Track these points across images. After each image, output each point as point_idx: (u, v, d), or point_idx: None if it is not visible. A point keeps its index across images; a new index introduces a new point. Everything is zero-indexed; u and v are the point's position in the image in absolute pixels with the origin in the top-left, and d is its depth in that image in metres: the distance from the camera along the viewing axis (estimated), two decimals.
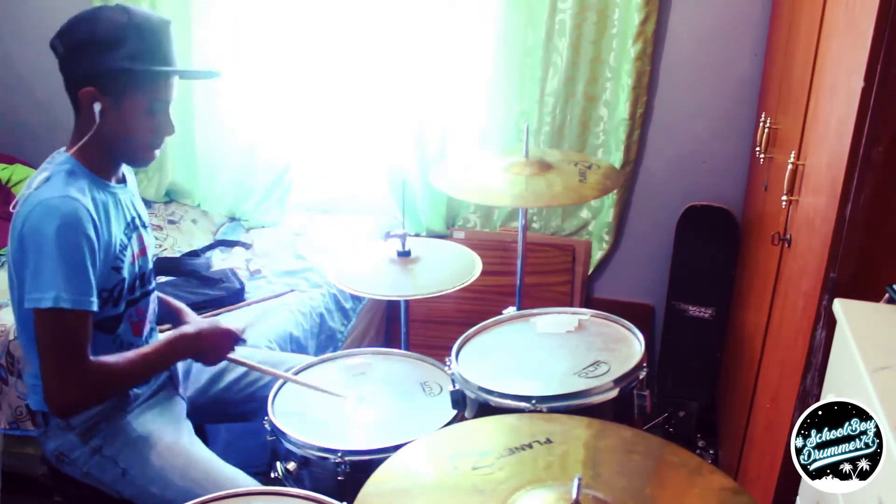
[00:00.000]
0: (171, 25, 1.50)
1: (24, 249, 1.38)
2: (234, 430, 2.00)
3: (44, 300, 1.36)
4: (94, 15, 1.45)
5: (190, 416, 1.71)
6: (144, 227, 1.65)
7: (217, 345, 1.61)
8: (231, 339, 1.64)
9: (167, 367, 1.66)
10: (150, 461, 1.54)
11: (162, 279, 2.43)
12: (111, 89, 1.45)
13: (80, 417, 1.56)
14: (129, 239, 1.56)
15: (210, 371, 1.80)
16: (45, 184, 1.43)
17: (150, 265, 1.65)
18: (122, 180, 1.60)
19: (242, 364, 1.71)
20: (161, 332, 2.16)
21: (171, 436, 1.59)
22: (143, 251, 1.61)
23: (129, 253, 1.55)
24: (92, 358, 1.42)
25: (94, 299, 1.42)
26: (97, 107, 1.45)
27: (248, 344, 2.04)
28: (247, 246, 2.77)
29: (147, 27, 1.45)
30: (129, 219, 1.58)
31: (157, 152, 1.57)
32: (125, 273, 1.53)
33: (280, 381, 1.68)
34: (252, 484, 1.53)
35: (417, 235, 2.84)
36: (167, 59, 1.49)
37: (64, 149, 1.52)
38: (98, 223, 1.44)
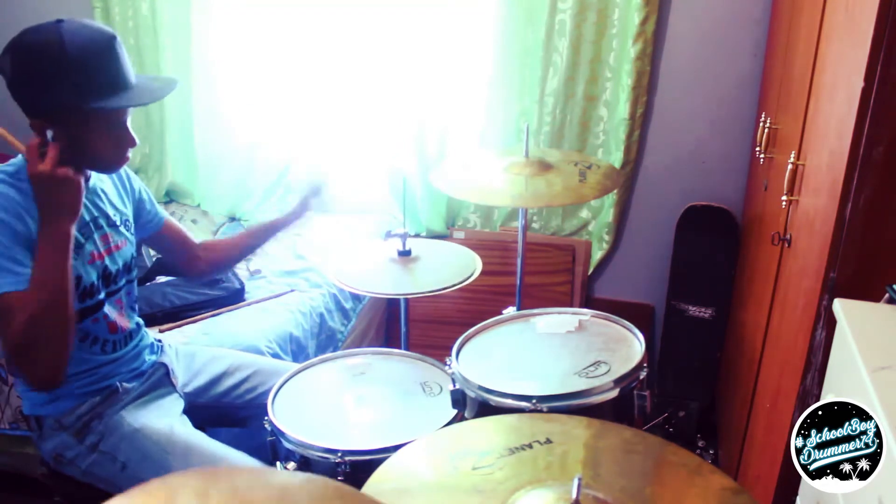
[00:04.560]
0: (115, 42, 1.43)
1: None
2: (234, 429, 2.00)
3: None
4: (36, 42, 1.38)
5: (189, 416, 1.70)
6: (113, 226, 1.61)
7: (45, 195, 1.38)
8: (45, 174, 1.37)
9: (57, 254, 1.40)
10: (149, 451, 1.54)
11: (162, 279, 2.43)
12: (57, 121, 1.41)
13: (71, 417, 1.56)
14: (87, 238, 1.54)
15: (210, 373, 1.80)
16: None
17: (120, 265, 1.62)
18: (87, 178, 1.57)
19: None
20: (161, 331, 2.18)
21: (167, 425, 1.59)
22: (108, 251, 1.59)
23: (84, 253, 1.52)
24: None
25: (14, 278, 1.35)
26: (49, 134, 1.41)
27: (249, 345, 2.06)
28: None
29: (85, 57, 1.38)
30: (88, 218, 1.55)
31: (126, 159, 1.53)
32: (81, 272, 1.51)
33: (280, 381, 1.68)
34: (252, 465, 1.53)
35: (417, 235, 2.84)
36: (112, 83, 1.42)
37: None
38: (24, 212, 1.40)
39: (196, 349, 1.86)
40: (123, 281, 1.65)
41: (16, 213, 1.39)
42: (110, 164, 1.53)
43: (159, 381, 1.71)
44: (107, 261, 1.59)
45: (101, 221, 1.59)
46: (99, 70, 1.41)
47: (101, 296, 1.58)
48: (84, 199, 1.55)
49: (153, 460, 1.53)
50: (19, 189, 1.42)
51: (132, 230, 1.69)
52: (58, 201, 1.39)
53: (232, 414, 1.80)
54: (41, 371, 1.37)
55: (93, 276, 1.55)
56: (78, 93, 1.39)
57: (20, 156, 1.50)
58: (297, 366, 1.79)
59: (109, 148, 1.48)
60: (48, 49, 1.37)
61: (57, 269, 1.38)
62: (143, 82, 1.50)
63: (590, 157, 2.28)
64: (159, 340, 1.80)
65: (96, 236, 1.56)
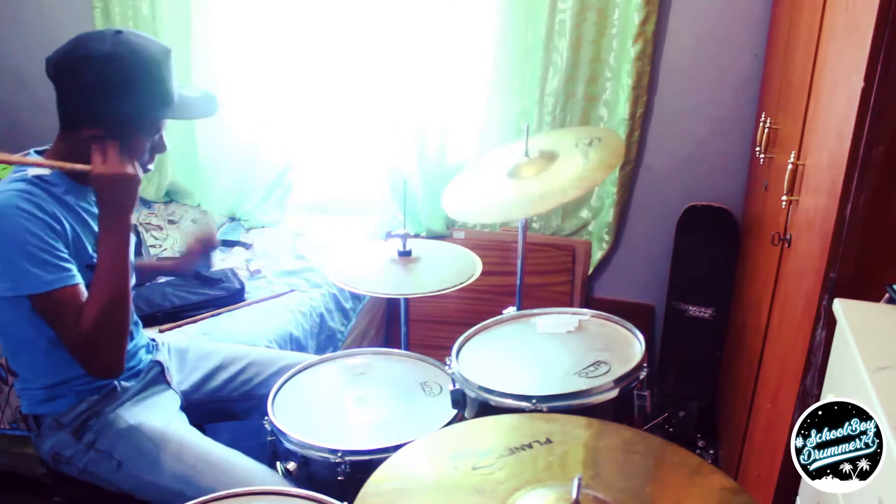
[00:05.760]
0: (170, 55, 1.49)
1: None
2: (234, 430, 2.00)
3: (19, 288, 1.38)
4: (101, 53, 1.41)
5: (186, 413, 1.70)
6: None
7: (109, 182, 1.42)
8: (120, 174, 1.43)
9: (123, 251, 1.46)
10: (144, 450, 1.54)
11: (162, 279, 2.43)
12: (117, 132, 1.45)
13: (69, 415, 1.56)
14: None
15: (204, 368, 1.80)
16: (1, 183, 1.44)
17: (132, 260, 1.64)
18: None
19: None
20: (161, 331, 2.18)
21: (162, 423, 1.59)
22: None
23: None
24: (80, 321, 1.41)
25: (72, 273, 1.41)
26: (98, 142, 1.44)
27: (247, 342, 2.06)
28: (247, 246, 2.77)
29: (156, 70, 1.45)
30: None
31: (151, 166, 1.60)
32: None
33: (280, 381, 1.68)
34: (247, 464, 1.53)
35: (417, 236, 2.84)
36: (171, 96, 1.50)
37: (34, 151, 1.52)
38: (58, 213, 1.43)
39: (188, 346, 1.86)
40: (133, 277, 1.66)
41: (52, 213, 1.42)
42: (141, 168, 1.56)
43: (155, 378, 1.71)
44: None
45: None
46: (162, 82, 1.47)
47: None
48: None
49: (148, 457, 1.53)
50: (51, 193, 1.45)
51: (135, 232, 1.70)
52: (120, 199, 1.45)
53: (230, 407, 1.80)
54: (108, 360, 1.45)
55: None
56: (145, 103, 1.46)
57: (36, 154, 1.51)
58: (289, 356, 1.79)
59: (145, 154, 1.54)
60: (122, 60, 1.42)
61: (121, 261, 1.46)
62: (182, 92, 1.56)
63: (591, 131, 2.17)
64: (153, 339, 1.80)
65: None
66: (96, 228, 1.52)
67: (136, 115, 1.46)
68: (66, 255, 1.42)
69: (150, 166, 1.59)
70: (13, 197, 1.39)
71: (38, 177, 1.46)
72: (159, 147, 1.57)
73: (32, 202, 1.40)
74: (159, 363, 1.73)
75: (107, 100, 1.42)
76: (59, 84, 1.45)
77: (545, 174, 1.97)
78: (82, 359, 1.43)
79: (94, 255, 1.51)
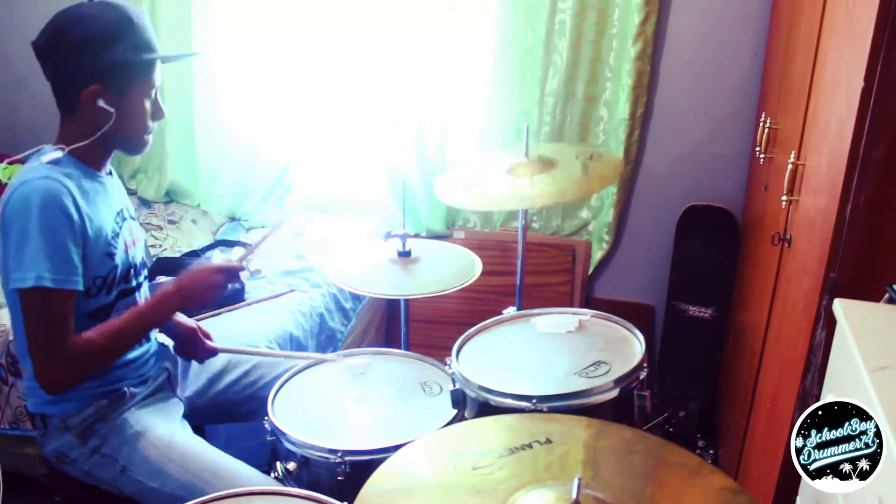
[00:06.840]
0: (146, 14, 1.54)
1: (7, 231, 1.40)
2: (234, 430, 2.00)
3: (26, 280, 1.37)
4: (83, 14, 1.45)
5: (189, 417, 1.70)
6: (133, 219, 1.65)
7: (202, 284, 1.55)
8: (219, 274, 1.58)
9: (153, 327, 1.65)
10: (149, 457, 1.54)
11: (162, 279, 2.42)
12: (116, 83, 1.47)
13: (76, 418, 1.56)
14: (121, 227, 1.57)
15: (209, 372, 1.79)
16: (27, 171, 1.45)
17: (140, 258, 1.65)
18: (110, 172, 1.61)
19: (229, 351, 1.73)
20: (161, 331, 2.17)
21: (168, 431, 1.59)
22: (133, 242, 1.62)
23: (120, 241, 1.55)
24: (75, 336, 1.43)
25: (79, 278, 1.43)
26: (100, 102, 1.46)
27: (249, 344, 2.06)
28: (247, 246, 2.77)
29: (137, 18, 1.49)
30: (118, 209, 1.59)
31: (150, 138, 1.59)
32: (118, 260, 1.54)
33: (280, 382, 1.68)
34: (250, 474, 1.53)
35: (417, 236, 2.84)
36: (152, 44, 1.52)
37: (51, 146, 1.53)
38: (81, 204, 1.44)
39: None
40: (143, 276, 1.67)
41: (72, 199, 1.42)
42: (141, 140, 1.57)
43: (162, 385, 1.71)
44: (132, 251, 1.61)
45: (126, 213, 1.62)
46: (144, 29, 1.50)
47: (133, 284, 1.60)
48: (114, 190, 1.60)
49: (152, 465, 1.53)
50: (69, 176, 1.46)
51: (138, 226, 1.71)
52: (207, 285, 1.56)
53: (234, 409, 1.80)
54: (65, 379, 1.45)
55: (128, 263, 1.58)
56: (135, 47, 1.47)
57: (50, 148, 1.52)
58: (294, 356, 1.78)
59: (146, 119, 1.54)
60: (105, 11, 1.46)
61: (150, 327, 1.61)
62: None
63: (591, 148, 2.24)
64: (163, 344, 1.80)
65: (124, 226, 1.59)
66: (105, 214, 1.52)
67: (128, 61, 1.47)
68: (75, 261, 1.42)
69: (149, 137, 1.58)
70: (52, 189, 1.40)
71: (53, 161, 1.47)
72: (157, 112, 1.56)
73: (68, 193, 1.41)
74: (166, 370, 1.74)
75: (99, 51, 1.44)
76: (50, 57, 1.46)
77: (543, 176, 1.98)
78: (52, 364, 1.42)
79: (112, 242, 1.52)
